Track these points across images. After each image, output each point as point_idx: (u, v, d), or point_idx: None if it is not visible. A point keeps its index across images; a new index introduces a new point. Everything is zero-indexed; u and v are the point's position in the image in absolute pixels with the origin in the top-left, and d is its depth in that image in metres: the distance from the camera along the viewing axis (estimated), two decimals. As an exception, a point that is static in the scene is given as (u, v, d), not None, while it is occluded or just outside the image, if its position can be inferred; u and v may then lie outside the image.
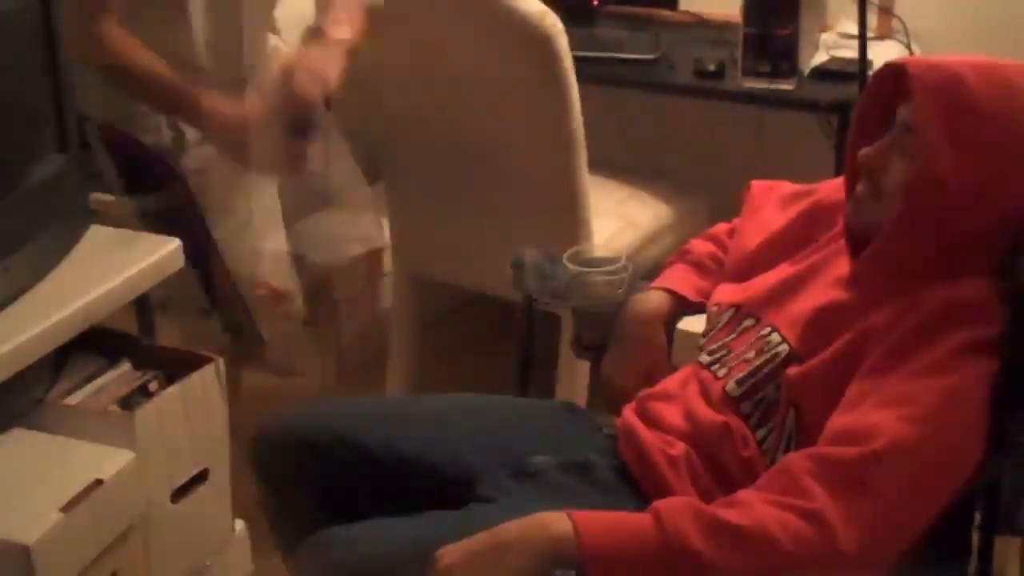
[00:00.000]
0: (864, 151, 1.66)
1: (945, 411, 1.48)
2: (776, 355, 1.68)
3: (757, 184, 2.01)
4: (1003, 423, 1.52)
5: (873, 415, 1.48)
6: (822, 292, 1.69)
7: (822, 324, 1.66)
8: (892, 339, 1.54)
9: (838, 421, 1.52)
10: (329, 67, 2.18)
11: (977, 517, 1.65)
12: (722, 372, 1.74)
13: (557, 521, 1.44)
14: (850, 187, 1.71)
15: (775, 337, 1.70)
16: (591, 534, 1.42)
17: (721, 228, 2.03)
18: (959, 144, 1.55)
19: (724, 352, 1.77)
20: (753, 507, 1.43)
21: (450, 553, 1.45)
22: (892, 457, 1.44)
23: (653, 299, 1.93)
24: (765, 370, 1.68)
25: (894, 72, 1.64)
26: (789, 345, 1.68)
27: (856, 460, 1.44)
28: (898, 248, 1.61)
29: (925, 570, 1.57)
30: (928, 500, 1.48)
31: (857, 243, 1.68)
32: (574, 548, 1.42)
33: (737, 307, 1.80)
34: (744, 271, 1.87)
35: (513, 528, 1.45)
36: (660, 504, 1.46)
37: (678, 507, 1.44)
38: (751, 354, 1.72)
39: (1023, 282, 1.57)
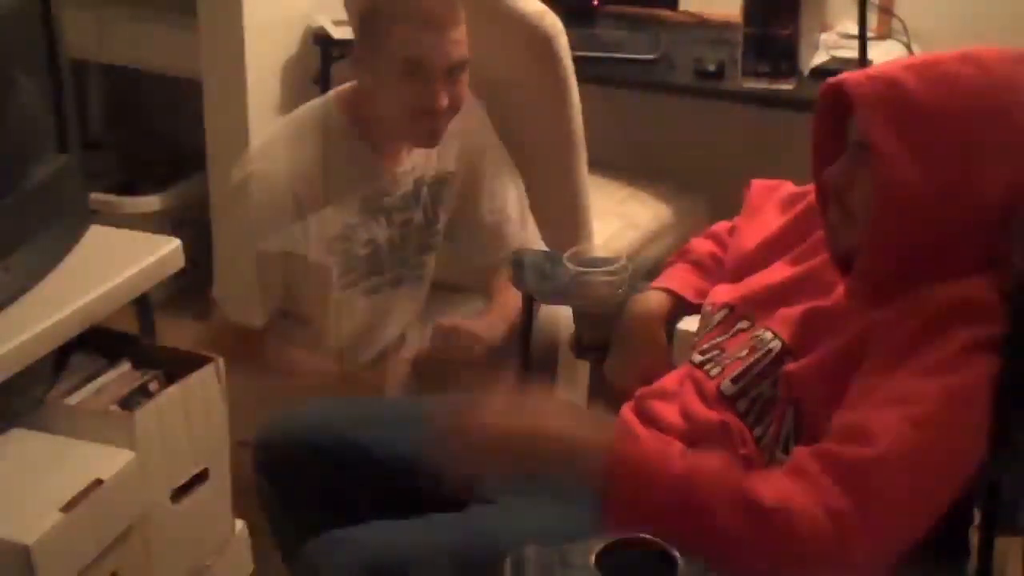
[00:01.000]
0: (827, 174, 1.64)
1: (948, 412, 1.47)
2: (769, 351, 1.68)
3: (757, 183, 2.00)
4: (1004, 423, 1.52)
5: (876, 413, 1.47)
6: (818, 299, 1.69)
7: (816, 322, 1.66)
8: (894, 337, 1.54)
9: (841, 418, 1.51)
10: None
11: (977, 517, 1.65)
12: (715, 371, 1.74)
13: (595, 455, 1.44)
14: (823, 212, 1.69)
15: (767, 335, 1.70)
16: (620, 486, 1.42)
17: (722, 227, 2.03)
18: (912, 149, 1.53)
19: (717, 352, 1.77)
20: (787, 492, 1.41)
21: (489, 414, 1.45)
22: (898, 462, 1.43)
23: (653, 300, 1.93)
24: (759, 367, 1.68)
25: (835, 91, 1.63)
26: (781, 341, 1.68)
27: (866, 466, 1.43)
28: (881, 263, 1.59)
29: (925, 570, 1.57)
30: (932, 502, 1.48)
31: (844, 262, 1.67)
32: (600, 488, 1.42)
33: (732, 308, 1.80)
34: (741, 273, 1.87)
35: (556, 430, 1.45)
36: (696, 461, 1.46)
37: (713, 470, 1.44)
38: (744, 352, 1.72)
39: (1022, 280, 1.57)
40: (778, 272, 1.79)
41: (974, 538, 1.66)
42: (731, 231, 2.00)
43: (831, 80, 1.63)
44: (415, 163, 2.38)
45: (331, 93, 2.38)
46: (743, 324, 1.77)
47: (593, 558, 1.36)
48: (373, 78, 2.24)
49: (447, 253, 2.48)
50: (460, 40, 2.22)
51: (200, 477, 2.06)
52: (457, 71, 2.24)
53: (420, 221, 2.41)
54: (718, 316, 1.81)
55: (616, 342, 1.95)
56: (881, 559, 1.43)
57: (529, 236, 2.50)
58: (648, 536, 1.39)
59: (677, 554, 1.36)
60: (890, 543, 1.43)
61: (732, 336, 1.77)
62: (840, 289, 1.67)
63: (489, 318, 2.38)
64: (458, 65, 2.23)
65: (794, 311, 1.70)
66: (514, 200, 2.48)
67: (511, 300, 2.30)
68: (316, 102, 2.39)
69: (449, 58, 2.21)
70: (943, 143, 1.54)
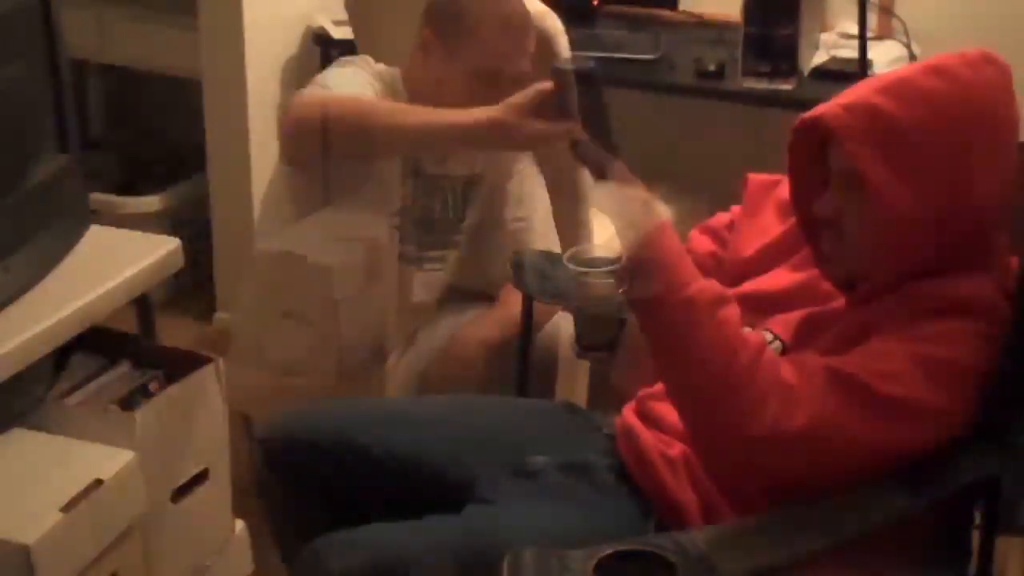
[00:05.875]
0: (817, 206, 1.64)
1: (916, 372, 1.49)
2: (771, 353, 1.68)
3: (754, 178, 1.99)
4: (1003, 423, 1.52)
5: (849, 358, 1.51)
6: (819, 305, 1.69)
7: (818, 324, 1.66)
8: (895, 320, 1.54)
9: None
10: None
11: (977, 517, 1.65)
12: (715, 374, 1.74)
13: (654, 278, 1.57)
14: (811, 241, 1.69)
15: (768, 336, 1.70)
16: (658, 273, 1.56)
17: (720, 220, 2.03)
18: (902, 173, 1.53)
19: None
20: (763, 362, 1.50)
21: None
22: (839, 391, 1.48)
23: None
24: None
25: (811, 124, 1.62)
26: (783, 343, 1.68)
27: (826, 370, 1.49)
28: (885, 285, 1.60)
29: (925, 570, 1.57)
30: (878, 439, 1.49)
31: (842, 282, 1.67)
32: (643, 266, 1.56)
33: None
34: (740, 278, 1.87)
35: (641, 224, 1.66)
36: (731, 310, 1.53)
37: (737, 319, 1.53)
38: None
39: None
40: (779, 279, 1.79)
41: (974, 538, 1.66)
42: (729, 226, 1.99)
43: (806, 115, 1.63)
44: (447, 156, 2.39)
45: (398, 68, 2.39)
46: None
47: (593, 565, 1.36)
48: (443, 71, 2.27)
49: (469, 255, 2.48)
50: (530, 51, 2.29)
51: (200, 477, 2.06)
52: (521, 81, 2.27)
53: (442, 216, 2.41)
54: (719, 320, 1.81)
55: (624, 352, 1.95)
56: (809, 452, 1.46)
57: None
58: (648, 546, 1.39)
59: (676, 561, 1.37)
60: (821, 442, 1.46)
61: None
62: (841, 299, 1.67)
63: (492, 319, 2.38)
64: (525, 76, 2.27)
65: (795, 315, 1.70)
66: (541, 211, 2.48)
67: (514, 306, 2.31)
68: (383, 66, 2.40)
69: (519, 69, 2.26)
70: (931, 161, 1.54)
